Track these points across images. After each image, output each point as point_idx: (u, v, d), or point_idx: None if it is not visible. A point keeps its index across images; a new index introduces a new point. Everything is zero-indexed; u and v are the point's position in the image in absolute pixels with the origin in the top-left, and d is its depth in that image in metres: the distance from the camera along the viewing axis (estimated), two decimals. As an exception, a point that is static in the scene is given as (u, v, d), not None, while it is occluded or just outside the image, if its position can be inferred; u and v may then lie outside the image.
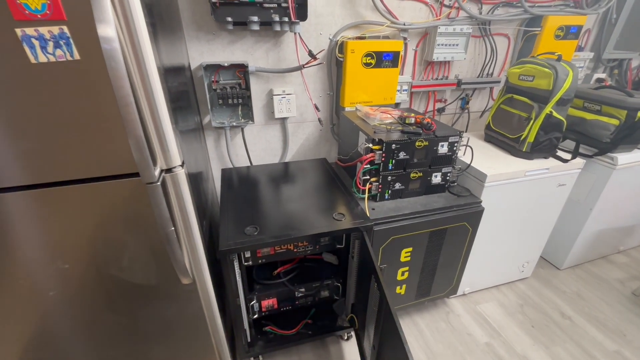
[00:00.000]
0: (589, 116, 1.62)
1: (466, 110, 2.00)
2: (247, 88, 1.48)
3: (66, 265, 0.85)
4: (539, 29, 1.77)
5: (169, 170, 0.82)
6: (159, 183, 0.75)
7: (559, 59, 1.38)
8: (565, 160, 1.47)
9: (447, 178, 1.38)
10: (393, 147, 1.23)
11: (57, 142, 0.71)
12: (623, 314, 1.65)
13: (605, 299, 1.73)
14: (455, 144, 1.31)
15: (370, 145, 1.24)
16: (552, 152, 1.49)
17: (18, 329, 0.91)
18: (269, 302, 1.34)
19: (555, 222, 1.67)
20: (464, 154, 1.45)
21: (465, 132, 2.01)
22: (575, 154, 1.48)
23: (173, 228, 0.83)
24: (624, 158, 1.55)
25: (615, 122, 1.52)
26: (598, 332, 1.55)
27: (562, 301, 1.72)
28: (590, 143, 1.63)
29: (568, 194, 1.58)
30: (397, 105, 1.79)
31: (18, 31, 0.57)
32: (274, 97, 1.55)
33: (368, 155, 1.25)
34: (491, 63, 1.87)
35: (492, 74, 1.91)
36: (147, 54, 0.69)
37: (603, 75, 2.19)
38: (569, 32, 1.81)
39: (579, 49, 2.09)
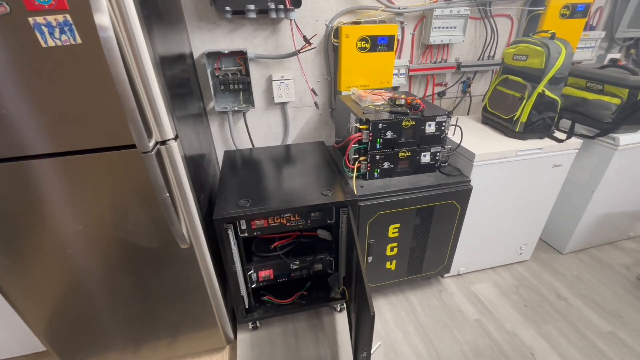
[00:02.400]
0: (590, 96, 1.58)
1: (468, 94, 2.00)
2: (247, 74, 1.58)
3: (80, 227, 0.98)
4: (543, 8, 1.73)
5: (164, 143, 0.93)
6: (152, 153, 0.86)
7: (553, 37, 1.37)
8: (560, 140, 1.46)
9: (437, 158, 1.42)
10: (380, 127, 1.29)
11: (68, 115, 0.83)
12: (623, 297, 1.63)
13: (607, 283, 1.71)
14: (444, 124, 1.34)
15: (358, 125, 1.30)
16: (547, 132, 1.48)
17: (49, 282, 1.06)
18: (265, 273, 1.45)
19: (553, 204, 1.66)
20: (453, 134, 1.48)
21: (467, 115, 2.01)
22: (570, 134, 1.47)
23: (168, 194, 0.94)
24: (626, 139, 1.52)
25: (617, 101, 1.48)
26: (594, 313, 1.55)
27: (560, 283, 1.72)
28: (592, 124, 1.60)
29: (565, 175, 1.57)
30: (395, 89, 1.83)
31: (30, 20, 0.69)
32: (273, 82, 1.64)
33: (356, 135, 1.31)
34: (492, 45, 1.86)
35: (493, 56, 1.89)
36: (139, 40, 0.79)
37: (618, 55, 2.11)
38: (576, 11, 1.76)
39: (590, 28, 2.02)
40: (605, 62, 2.10)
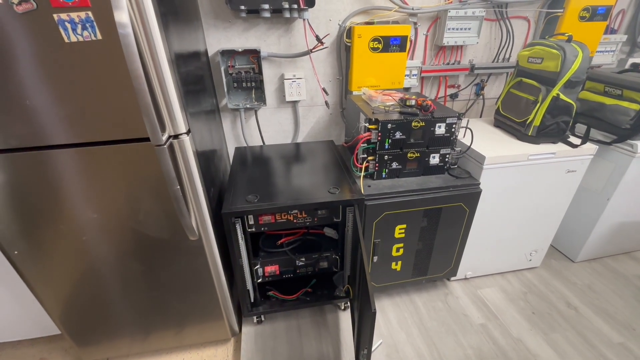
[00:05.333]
0: (608, 101, 1.54)
1: (481, 97, 1.97)
2: (260, 72, 1.61)
3: (95, 215, 1.02)
4: (562, 10, 1.70)
5: (176, 137, 0.96)
6: (165, 146, 0.89)
7: (569, 39, 1.34)
8: (574, 146, 1.43)
9: (446, 159, 1.41)
10: (389, 127, 1.29)
11: (86, 108, 0.87)
12: (636, 309, 1.58)
13: (619, 293, 1.66)
14: (454, 126, 1.33)
15: (367, 124, 1.30)
16: (561, 136, 1.45)
17: (65, 268, 1.11)
18: (271, 268, 1.47)
19: (565, 210, 1.62)
20: (464, 137, 1.47)
21: (480, 118, 1.99)
22: (585, 139, 1.44)
23: (179, 187, 0.97)
24: (645, 145, 1.48)
25: (635, 107, 1.44)
26: (604, 323, 1.51)
27: (570, 292, 1.68)
28: (609, 129, 1.56)
29: (579, 182, 1.53)
30: (406, 90, 1.82)
31: (55, 16, 0.73)
32: (285, 81, 1.66)
33: (365, 134, 1.32)
34: (507, 47, 1.83)
35: (508, 58, 1.87)
36: (156, 37, 0.82)
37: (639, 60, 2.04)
38: (596, 14, 1.72)
39: (611, 31, 1.96)
40: (627, 66, 2.03)
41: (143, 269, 1.18)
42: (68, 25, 0.74)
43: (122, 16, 0.74)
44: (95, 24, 0.75)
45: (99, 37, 0.77)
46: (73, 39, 0.76)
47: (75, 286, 1.16)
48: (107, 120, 0.90)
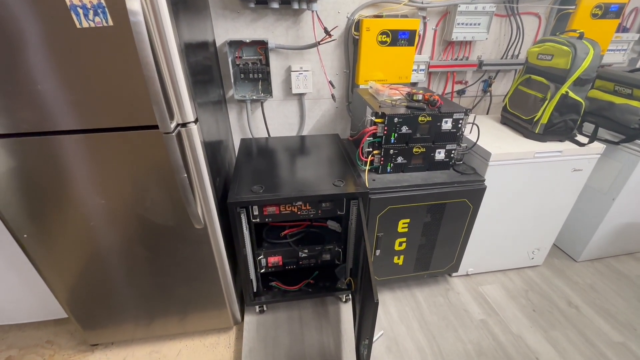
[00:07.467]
0: (618, 100, 1.53)
1: (488, 93, 1.96)
2: (267, 64, 1.60)
3: (103, 201, 1.04)
4: (574, 7, 1.68)
5: (184, 125, 0.96)
6: (173, 134, 0.90)
7: (581, 36, 1.32)
8: (581, 144, 1.42)
9: (452, 155, 1.41)
10: (395, 121, 1.29)
11: (96, 94, 0.87)
12: (638, 309, 1.58)
13: (622, 294, 1.66)
14: (460, 121, 1.33)
15: (373, 118, 1.30)
16: (568, 135, 1.44)
17: (73, 252, 1.13)
18: (274, 259, 1.49)
19: (570, 209, 1.62)
20: (470, 132, 1.46)
21: (487, 114, 1.97)
22: (592, 138, 1.43)
23: (186, 175, 0.98)
24: (653, 146, 1.46)
25: (645, 106, 1.43)
26: (605, 323, 1.51)
27: (572, 291, 1.68)
28: (617, 129, 1.55)
29: (585, 181, 1.53)
30: (413, 85, 1.81)
31: (67, 1, 0.73)
32: (291, 73, 1.66)
33: (371, 128, 1.32)
34: (517, 44, 1.81)
35: (518, 55, 1.85)
36: (167, 25, 0.82)
37: (652, 60, 2.01)
38: (609, 11, 1.69)
39: (624, 29, 1.94)
40: (638, 65, 2.01)
41: (149, 255, 1.20)
42: (80, 11, 0.74)
43: (134, 3, 0.74)
44: (107, 10, 0.76)
45: (111, 23, 0.78)
46: (85, 24, 0.76)
47: (82, 270, 1.18)
48: (117, 107, 0.91)
